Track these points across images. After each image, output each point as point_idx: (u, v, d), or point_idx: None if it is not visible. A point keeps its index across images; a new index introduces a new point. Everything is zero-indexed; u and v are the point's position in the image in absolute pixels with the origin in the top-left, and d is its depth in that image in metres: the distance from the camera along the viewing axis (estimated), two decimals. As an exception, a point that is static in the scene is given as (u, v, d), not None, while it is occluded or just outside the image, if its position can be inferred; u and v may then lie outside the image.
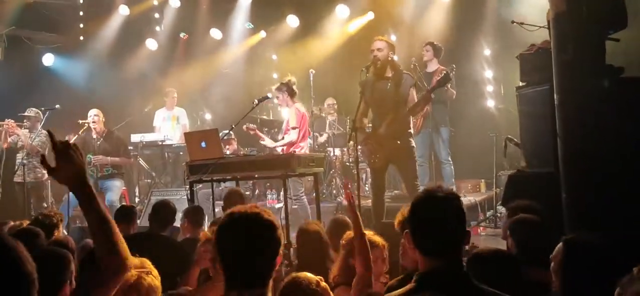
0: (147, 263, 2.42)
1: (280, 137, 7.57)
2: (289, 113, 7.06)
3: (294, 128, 6.81)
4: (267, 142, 7.50)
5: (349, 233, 3.31)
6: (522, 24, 5.16)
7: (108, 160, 7.63)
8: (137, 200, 9.07)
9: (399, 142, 5.84)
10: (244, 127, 7.24)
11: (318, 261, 3.68)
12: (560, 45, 3.51)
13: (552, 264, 2.45)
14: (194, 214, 4.95)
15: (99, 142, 7.71)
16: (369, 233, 3.41)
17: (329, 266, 3.56)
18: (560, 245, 2.47)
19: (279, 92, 6.94)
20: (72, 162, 1.92)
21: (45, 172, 7.76)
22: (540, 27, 4.76)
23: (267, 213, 1.94)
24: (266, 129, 9.35)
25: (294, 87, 6.93)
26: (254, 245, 1.89)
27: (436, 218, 2.06)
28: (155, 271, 2.43)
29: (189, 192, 5.72)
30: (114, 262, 1.88)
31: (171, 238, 4.38)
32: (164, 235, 4.40)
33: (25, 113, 7.88)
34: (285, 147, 6.85)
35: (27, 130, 7.79)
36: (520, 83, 5.05)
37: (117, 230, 1.91)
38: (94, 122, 7.64)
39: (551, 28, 3.59)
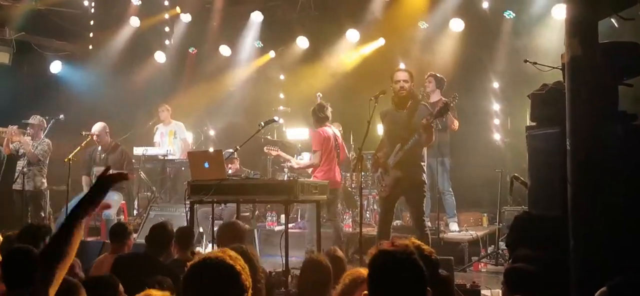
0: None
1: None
2: (312, 136, 7.20)
3: (314, 151, 6.90)
4: (293, 162, 7.65)
5: (354, 272, 3.23)
6: (535, 63, 5.10)
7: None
8: (135, 213, 9.00)
9: (405, 173, 5.77)
10: (265, 149, 7.20)
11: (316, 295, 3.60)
12: (575, 89, 3.44)
13: None
14: (182, 237, 4.88)
15: (103, 155, 7.65)
16: (358, 269, 3.33)
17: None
18: (604, 290, 2.41)
19: (312, 115, 7.10)
20: None
21: (44, 180, 7.77)
22: (554, 68, 4.69)
23: (231, 260, 1.94)
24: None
25: (326, 112, 6.99)
26: (215, 292, 1.91)
27: (393, 280, 2.05)
28: None
29: (188, 212, 5.64)
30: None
31: (165, 264, 4.29)
32: (156, 258, 4.31)
33: (29, 121, 7.84)
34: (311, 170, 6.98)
35: (30, 138, 7.74)
36: (529, 122, 4.99)
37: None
38: (98, 136, 7.59)
39: (566, 71, 3.53)
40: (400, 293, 2.04)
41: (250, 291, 1.95)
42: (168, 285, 2.92)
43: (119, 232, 4.88)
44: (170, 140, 9.41)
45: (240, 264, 1.94)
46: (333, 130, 7.11)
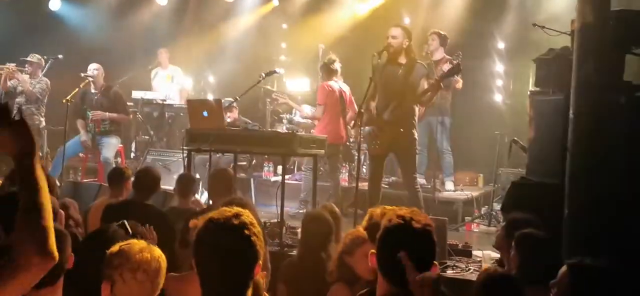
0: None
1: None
2: (318, 89, 7.17)
3: (318, 104, 6.89)
4: (303, 110, 7.71)
5: (354, 232, 3.25)
6: (544, 27, 5.02)
7: (106, 115, 7.51)
8: (132, 156, 9.00)
9: (401, 130, 5.77)
10: (273, 95, 7.16)
11: (318, 250, 3.62)
12: (582, 58, 3.40)
13: (555, 290, 2.36)
14: (183, 183, 4.87)
15: (97, 97, 7.57)
16: (358, 229, 3.35)
17: (326, 259, 3.51)
18: (564, 269, 2.39)
19: (320, 70, 7.10)
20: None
21: (42, 119, 7.74)
22: (562, 33, 4.62)
23: (249, 224, 1.88)
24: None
25: (333, 66, 6.92)
26: (231, 258, 1.85)
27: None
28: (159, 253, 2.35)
29: (186, 159, 5.63)
30: (28, 253, 1.60)
31: (154, 209, 4.30)
32: (147, 204, 4.32)
33: (28, 59, 7.75)
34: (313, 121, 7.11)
35: (28, 76, 7.67)
36: (533, 87, 4.94)
37: (47, 218, 1.65)
38: (92, 76, 7.49)
39: (575, 39, 3.47)
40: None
41: (262, 258, 1.92)
42: (140, 231, 2.89)
43: (117, 176, 4.87)
44: (168, 83, 9.34)
45: (256, 230, 1.89)
46: (340, 85, 7.04)
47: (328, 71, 6.92)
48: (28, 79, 7.64)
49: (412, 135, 5.84)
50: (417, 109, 6.04)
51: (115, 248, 2.31)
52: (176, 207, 4.68)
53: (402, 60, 5.80)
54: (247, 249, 1.86)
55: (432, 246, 2.12)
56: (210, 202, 5.00)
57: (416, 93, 5.76)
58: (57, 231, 2.39)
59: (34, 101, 7.63)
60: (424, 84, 5.79)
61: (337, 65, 6.92)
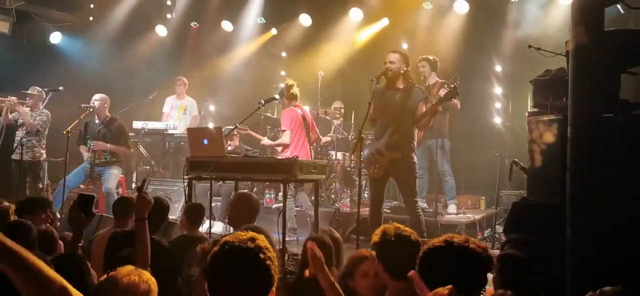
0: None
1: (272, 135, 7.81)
2: (282, 114, 7.28)
3: (283, 130, 7.00)
4: (265, 140, 7.72)
5: (353, 253, 3.24)
6: (539, 49, 5.06)
7: (107, 147, 7.54)
8: (134, 186, 9.00)
9: (400, 155, 5.78)
10: (237, 124, 7.20)
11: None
12: (578, 78, 3.41)
13: None
14: (193, 212, 4.85)
15: (100, 128, 7.63)
16: (360, 250, 3.35)
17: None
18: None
19: (280, 96, 7.15)
20: None
21: (43, 151, 7.77)
22: (558, 53, 4.65)
23: (264, 248, 1.87)
24: (269, 127, 9.29)
25: (293, 90, 7.06)
26: (246, 282, 1.84)
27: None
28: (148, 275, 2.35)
29: (186, 187, 5.63)
30: None
31: (161, 242, 4.27)
32: (154, 238, 4.29)
33: (28, 91, 7.82)
34: (280, 148, 7.10)
35: (29, 108, 7.73)
36: (531, 107, 4.96)
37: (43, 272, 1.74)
38: (92, 106, 7.54)
39: (570, 58, 3.49)
40: None
41: (277, 282, 1.91)
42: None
43: (123, 207, 4.83)
44: (180, 114, 9.38)
45: (271, 254, 1.88)
46: (302, 109, 7.21)
47: (289, 96, 7.08)
48: (29, 112, 7.70)
49: (411, 159, 5.85)
50: (415, 133, 6.06)
51: (103, 278, 2.31)
52: (186, 235, 4.65)
53: (400, 85, 5.85)
54: (262, 273, 1.85)
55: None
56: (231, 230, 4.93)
57: (414, 118, 5.79)
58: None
59: (34, 133, 7.67)
60: (423, 108, 5.83)
61: (296, 90, 7.10)
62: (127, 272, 2.26)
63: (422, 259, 2.20)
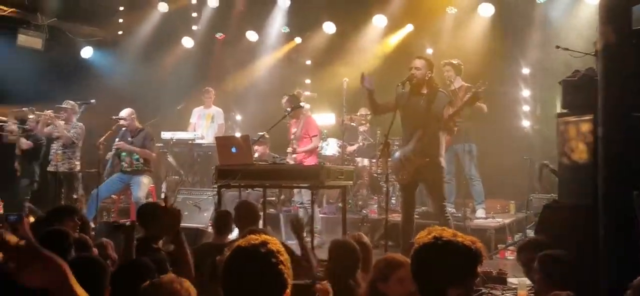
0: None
1: (295, 144, 7.85)
2: (307, 122, 7.72)
3: (314, 136, 7.44)
4: (295, 155, 7.80)
5: (387, 257, 3.24)
6: (567, 49, 5.00)
7: (129, 147, 7.67)
8: (163, 195, 9.13)
9: (427, 160, 5.76)
10: (264, 132, 7.28)
11: (345, 279, 3.62)
12: (608, 78, 3.39)
13: None
14: (219, 220, 4.92)
15: (130, 139, 7.79)
16: (395, 254, 3.35)
17: (354, 287, 3.50)
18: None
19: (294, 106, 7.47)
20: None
21: (78, 163, 7.98)
22: (586, 54, 4.61)
23: (276, 252, 1.88)
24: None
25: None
26: (259, 286, 1.85)
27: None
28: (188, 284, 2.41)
29: (216, 196, 5.70)
30: None
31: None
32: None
33: (62, 105, 8.04)
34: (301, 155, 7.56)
35: (63, 122, 7.95)
36: (560, 109, 4.91)
37: None
38: (126, 120, 7.72)
39: (599, 58, 3.47)
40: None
41: (290, 286, 1.90)
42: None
43: (146, 214, 4.90)
44: (208, 124, 9.50)
45: (283, 257, 1.88)
46: None
47: (299, 107, 7.50)
48: (63, 125, 7.91)
49: (438, 164, 5.82)
50: (442, 138, 6.04)
51: (146, 284, 2.37)
52: (212, 243, 4.72)
53: (425, 90, 5.84)
54: (274, 277, 1.86)
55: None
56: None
57: (440, 122, 5.77)
58: (97, 263, 2.50)
59: (70, 145, 7.88)
60: (448, 111, 5.81)
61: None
62: (169, 280, 2.32)
63: (413, 259, 2.19)
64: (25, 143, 8.20)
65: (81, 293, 1.64)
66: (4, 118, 8.12)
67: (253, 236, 1.97)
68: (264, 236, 1.96)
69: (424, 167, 5.77)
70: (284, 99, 8.00)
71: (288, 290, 1.89)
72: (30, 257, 1.51)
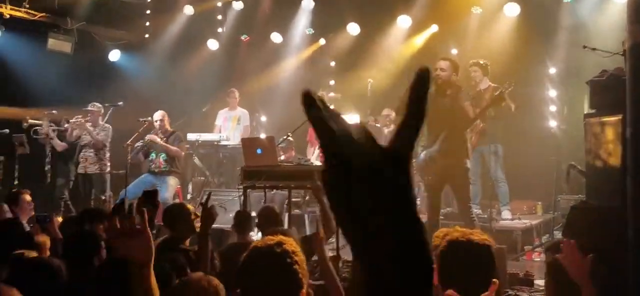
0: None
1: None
2: None
3: None
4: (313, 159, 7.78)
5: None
6: (595, 49, 4.94)
7: (165, 145, 7.79)
8: (189, 196, 9.25)
9: (453, 161, 5.74)
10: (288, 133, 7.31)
11: None
12: (636, 77, 3.34)
13: None
14: (240, 220, 4.97)
15: (162, 139, 7.94)
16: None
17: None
18: None
19: None
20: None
21: (108, 164, 8.15)
22: (614, 53, 4.54)
23: (291, 252, 1.92)
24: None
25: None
26: (274, 285, 1.89)
27: (467, 265, 2.08)
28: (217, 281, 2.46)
29: (241, 197, 5.76)
30: None
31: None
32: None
33: (88, 108, 8.20)
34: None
35: (90, 124, 8.12)
36: (588, 109, 4.84)
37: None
38: (156, 122, 7.85)
39: (627, 57, 3.42)
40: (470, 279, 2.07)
41: (306, 286, 1.94)
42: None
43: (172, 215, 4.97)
44: (234, 125, 9.59)
45: (298, 258, 1.92)
46: None
47: None
48: (92, 128, 8.09)
49: (464, 165, 5.80)
50: (468, 138, 6.01)
51: (176, 281, 2.43)
52: (235, 242, 4.78)
53: (448, 91, 5.83)
54: (289, 276, 1.89)
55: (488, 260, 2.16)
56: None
57: (464, 121, 5.74)
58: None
59: (100, 148, 8.05)
60: (469, 107, 5.79)
61: None
62: (198, 278, 2.38)
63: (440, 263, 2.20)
64: (59, 144, 8.39)
65: (153, 278, 1.75)
66: (39, 121, 8.32)
67: (270, 237, 2.00)
68: (280, 237, 2.00)
69: (449, 167, 5.76)
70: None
71: (304, 290, 1.92)
72: (135, 234, 1.69)
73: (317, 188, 4.60)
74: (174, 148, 7.86)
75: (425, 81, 0.76)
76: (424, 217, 6.38)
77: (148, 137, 7.80)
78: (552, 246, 4.01)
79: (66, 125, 8.29)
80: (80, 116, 8.12)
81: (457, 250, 2.11)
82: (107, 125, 8.21)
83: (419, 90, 0.76)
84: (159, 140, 7.80)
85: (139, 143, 7.87)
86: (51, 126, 8.40)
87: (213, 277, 2.44)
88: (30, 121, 8.31)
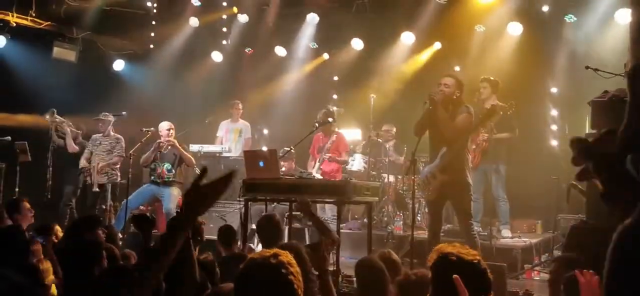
0: None
1: (325, 156, 8.04)
2: (339, 138, 8.12)
3: (347, 151, 7.83)
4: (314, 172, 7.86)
5: (418, 272, 3.23)
6: (597, 70, 4.97)
7: (181, 151, 7.92)
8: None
9: (452, 176, 5.74)
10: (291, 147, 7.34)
11: None
12: (638, 98, 3.35)
13: None
14: (223, 234, 4.98)
15: (165, 152, 7.97)
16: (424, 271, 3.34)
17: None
18: None
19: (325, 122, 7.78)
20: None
21: (119, 173, 8.18)
22: (616, 74, 4.57)
23: (286, 263, 1.94)
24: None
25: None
26: (268, 294, 1.91)
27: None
28: None
29: (242, 209, 5.77)
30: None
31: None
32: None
33: (100, 117, 8.24)
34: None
35: (100, 134, 8.17)
36: (589, 130, 4.87)
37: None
38: (168, 130, 7.91)
39: (628, 79, 3.43)
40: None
41: None
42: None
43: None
44: (235, 137, 9.62)
45: (293, 269, 1.93)
46: None
47: (334, 122, 7.91)
48: (102, 136, 8.21)
49: (464, 180, 5.79)
50: (468, 155, 6.01)
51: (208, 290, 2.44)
52: (225, 256, 4.78)
53: (450, 108, 5.84)
54: (284, 287, 1.90)
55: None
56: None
57: (464, 137, 5.74)
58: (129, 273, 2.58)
59: (115, 163, 8.18)
60: (464, 118, 5.80)
61: None
62: (229, 290, 2.39)
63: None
64: (72, 146, 8.40)
65: None
66: (62, 118, 8.38)
67: (268, 250, 2.02)
68: (276, 250, 2.01)
69: (449, 183, 5.75)
70: (321, 112, 8.01)
71: None
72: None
73: (305, 204, 4.63)
74: (188, 154, 7.92)
75: None
76: (424, 233, 6.40)
77: (166, 139, 7.84)
78: (562, 261, 3.96)
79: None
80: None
81: (447, 265, 2.13)
82: (119, 136, 8.25)
83: None
84: (177, 143, 7.87)
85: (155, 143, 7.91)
86: (71, 126, 8.44)
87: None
88: (57, 118, 8.35)
